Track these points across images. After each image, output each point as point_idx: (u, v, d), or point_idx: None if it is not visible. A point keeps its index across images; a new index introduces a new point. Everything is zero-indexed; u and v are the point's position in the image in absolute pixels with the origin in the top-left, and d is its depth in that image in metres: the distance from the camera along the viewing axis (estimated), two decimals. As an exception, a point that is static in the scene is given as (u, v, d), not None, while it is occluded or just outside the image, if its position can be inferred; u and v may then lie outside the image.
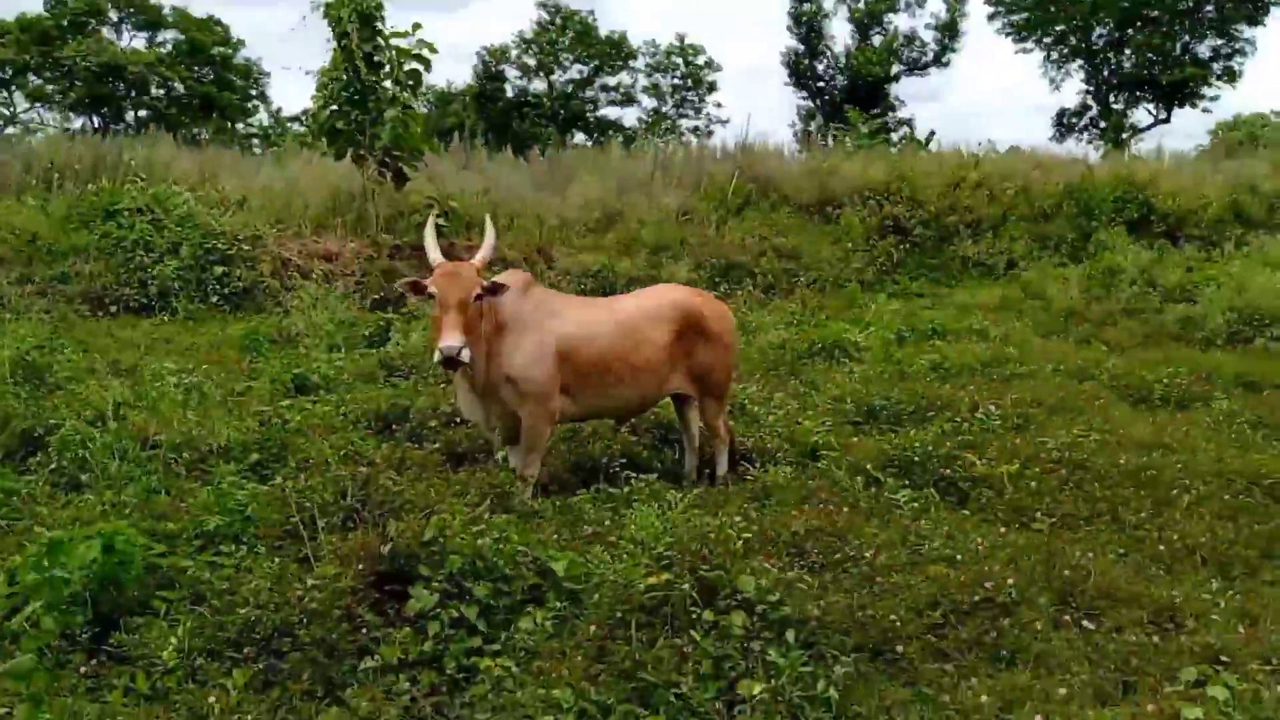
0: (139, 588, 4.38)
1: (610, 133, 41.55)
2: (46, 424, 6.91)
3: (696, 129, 45.82)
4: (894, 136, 31.93)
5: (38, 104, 44.92)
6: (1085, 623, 4.26)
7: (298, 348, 10.47)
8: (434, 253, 6.07)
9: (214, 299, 13.23)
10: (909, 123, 40.30)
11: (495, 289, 5.88)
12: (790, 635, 3.87)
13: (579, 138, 43.37)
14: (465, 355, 5.62)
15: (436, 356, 5.63)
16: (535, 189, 17.45)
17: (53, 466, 6.32)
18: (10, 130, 39.56)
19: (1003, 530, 5.45)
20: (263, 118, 47.31)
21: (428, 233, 6.19)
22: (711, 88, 47.61)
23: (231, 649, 3.96)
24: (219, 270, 13.46)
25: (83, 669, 4.00)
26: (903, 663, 4.02)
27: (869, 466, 6.46)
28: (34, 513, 5.47)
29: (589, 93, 47.22)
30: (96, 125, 39.98)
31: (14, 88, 46.01)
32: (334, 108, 14.77)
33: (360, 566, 4.27)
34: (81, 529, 4.37)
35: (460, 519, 4.60)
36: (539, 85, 46.73)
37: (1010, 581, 4.55)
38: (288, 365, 9.16)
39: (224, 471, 6.03)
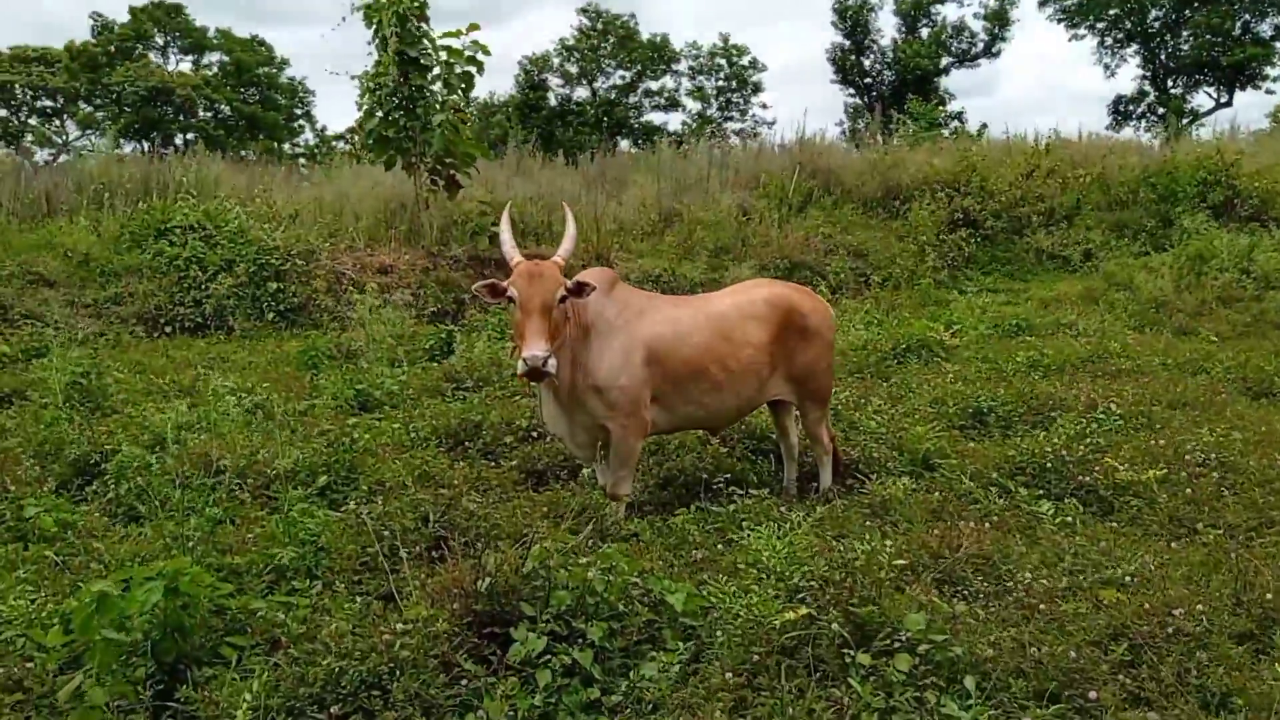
0: (206, 634, 3.86)
1: (655, 138, 41.08)
2: (102, 450, 6.49)
3: (742, 131, 45.20)
4: (945, 131, 31.13)
5: (88, 130, 45.39)
6: (1311, 657, 3.60)
7: (358, 363, 10.01)
8: (512, 252, 5.53)
9: (269, 315, 12.86)
10: (960, 116, 39.40)
11: (580, 289, 5.33)
12: (969, 682, 3.26)
13: (623, 144, 42.92)
14: (551, 365, 5.08)
15: (520, 367, 5.07)
16: (589, 193, 16.93)
17: (109, 496, 5.89)
18: (65, 158, 39.93)
19: (1170, 546, 4.80)
20: (308, 137, 47.50)
21: (503, 230, 5.65)
22: (756, 89, 47.07)
23: (314, 705, 3.42)
24: (273, 286, 13.10)
25: (147, 732, 3.49)
26: (1097, 711, 3.39)
27: (996, 475, 5.84)
28: (90, 548, 5.00)
29: (632, 98, 46.79)
30: (146, 149, 40.21)
31: (66, 115, 46.55)
32: (381, 114, 14.32)
33: (454, 606, 3.73)
34: (140, 568, 3.85)
35: (558, 547, 4.05)
36: (582, 93, 46.43)
37: (1200, 608, 3.90)
38: (350, 381, 8.69)
39: (292, 498, 5.53)
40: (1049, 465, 5.86)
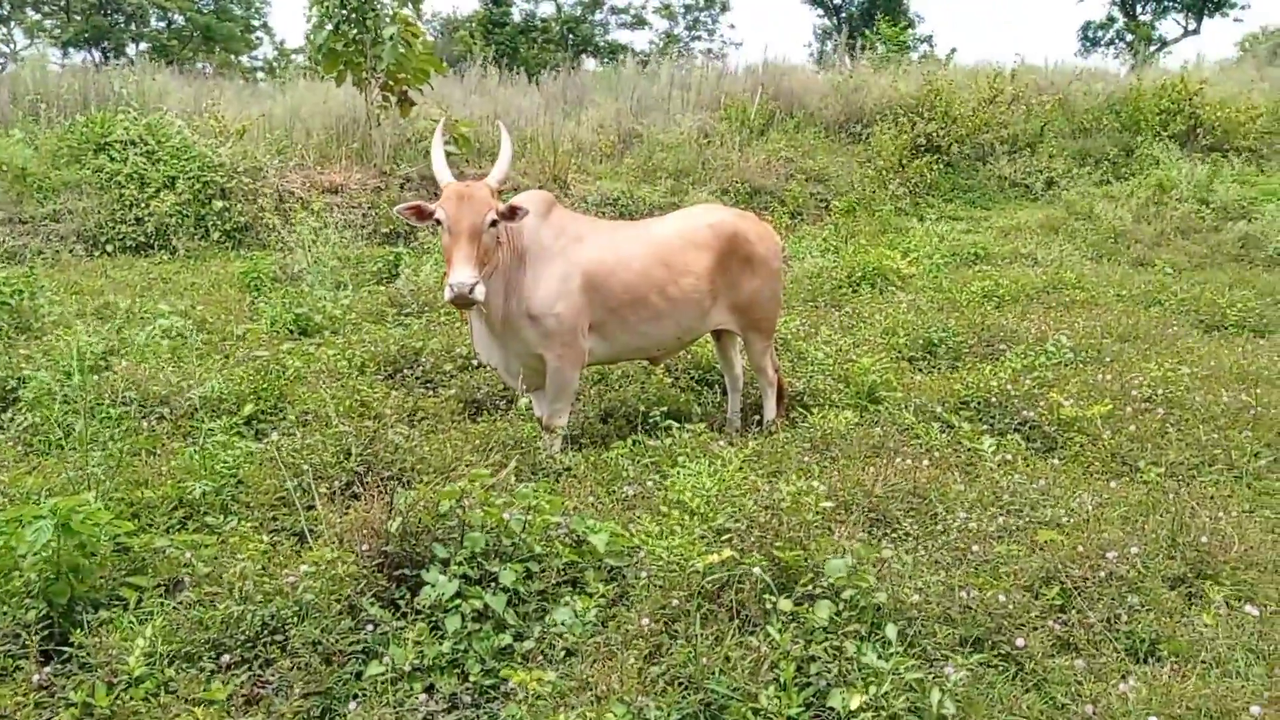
0: (105, 574, 3.67)
1: (621, 57, 40.23)
2: (20, 376, 6.22)
3: (710, 51, 44.37)
4: (914, 55, 30.65)
5: (36, 39, 43.83)
6: (1245, 605, 3.50)
7: (301, 286, 9.71)
8: (442, 172, 5.26)
9: (215, 235, 12.48)
10: (930, 40, 38.87)
11: (513, 212, 5.08)
12: (890, 630, 3.13)
13: (589, 64, 41.99)
14: (480, 292, 4.84)
15: (447, 294, 4.83)
16: (547, 113, 16.49)
17: (25, 424, 5.64)
18: (10, 68, 38.60)
19: (1110, 485, 4.69)
20: (267, 50, 46.17)
21: (434, 148, 5.38)
22: (724, 7, 46.08)
23: (211, 652, 3.25)
24: (218, 205, 12.70)
25: (36, 678, 3.29)
26: (1024, 658, 3.28)
27: (940, 410, 5.71)
28: (-4, 480, 4.77)
29: (598, 16, 45.72)
30: (97, 60, 38.95)
31: (12, 23, 44.88)
32: (330, 27, 13.78)
33: (364, 547, 3.55)
34: (30, 506, 3.64)
35: (481, 485, 3.87)
36: (547, 8, 45.29)
37: (1134, 551, 3.80)
38: (289, 305, 8.41)
39: (212, 429, 5.32)
40: (994, 400, 5.75)
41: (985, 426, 5.55)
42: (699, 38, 45.92)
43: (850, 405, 6.08)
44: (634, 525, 4.01)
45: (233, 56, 43.15)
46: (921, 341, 7.50)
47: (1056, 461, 5.14)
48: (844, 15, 41.75)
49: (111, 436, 5.14)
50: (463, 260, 4.85)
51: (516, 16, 44.97)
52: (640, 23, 46.30)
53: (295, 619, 3.29)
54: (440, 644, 3.23)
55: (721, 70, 18.50)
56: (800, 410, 6.16)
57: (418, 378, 6.76)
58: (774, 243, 6.06)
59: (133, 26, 42.19)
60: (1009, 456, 5.03)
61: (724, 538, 3.68)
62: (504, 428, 5.34)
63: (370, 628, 3.31)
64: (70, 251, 11.82)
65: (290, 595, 3.37)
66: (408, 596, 3.47)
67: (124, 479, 4.54)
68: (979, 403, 5.81)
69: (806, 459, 5.01)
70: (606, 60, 42.52)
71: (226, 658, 3.20)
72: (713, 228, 5.81)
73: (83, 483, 4.41)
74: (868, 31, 26.88)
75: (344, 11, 13.75)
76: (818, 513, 3.73)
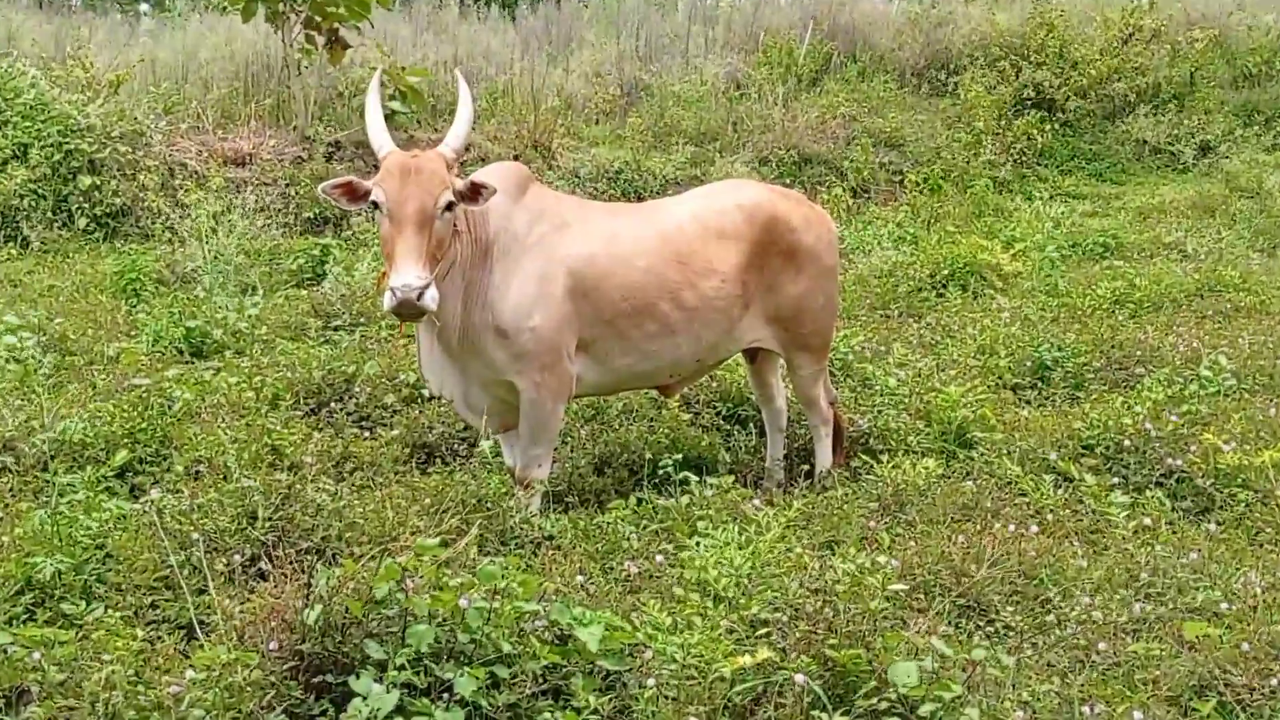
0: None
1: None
2: None
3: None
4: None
5: None
6: None
7: (195, 290, 9.74)
8: (380, 137, 5.25)
9: (81, 222, 12.57)
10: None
11: (475, 192, 5.05)
12: (988, 764, 3.10)
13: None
14: (431, 298, 4.80)
15: (387, 300, 4.79)
16: (525, 56, 16.56)
17: None
18: None
19: (1283, 559, 4.66)
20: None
21: (369, 105, 5.38)
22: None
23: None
24: (86, 182, 12.76)
25: None
26: (1166, 798, 3.25)
27: (1055, 456, 5.67)
28: None
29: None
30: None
31: None
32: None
33: (273, 645, 3.51)
34: None
35: (430, 561, 3.84)
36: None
37: (1319, 651, 3.76)
38: (179, 317, 8.41)
39: (71, 483, 5.29)
40: (1127, 444, 5.70)
41: (1116, 480, 5.50)
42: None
43: (933, 451, 6.05)
44: (638, 614, 3.95)
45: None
46: (1030, 364, 7.47)
47: (1213, 527, 5.09)
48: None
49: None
50: (408, 255, 4.82)
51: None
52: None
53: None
54: (373, 780, 3.20)
55: (758, 1, 18.55)
56: (865, 458, 6.12)
57: (349, 414, 6.75)
58: (827, 231, 6.04)
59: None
60: (1148, 521, 4.98)
61: (759, 633, 3.64)
62: (463, 481, 5.29)
63: (275, 760, 3.28)
64: (-112, 243, 11.89)
65: (172, 712, 3.35)
66: (331, 712, 3.44)
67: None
68: (1108, 447, 5.76)
69: (872, 524, 4.97)
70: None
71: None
72: (744, 210, 5.79)
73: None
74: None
75: (257, -80, 13.87)
76: (886, 598, 3.69)
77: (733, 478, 5.25)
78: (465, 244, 5.23)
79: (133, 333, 8.53)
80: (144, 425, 6.08)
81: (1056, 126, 16.36)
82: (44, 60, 14.52)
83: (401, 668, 3.47)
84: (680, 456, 5.74)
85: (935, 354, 7.84)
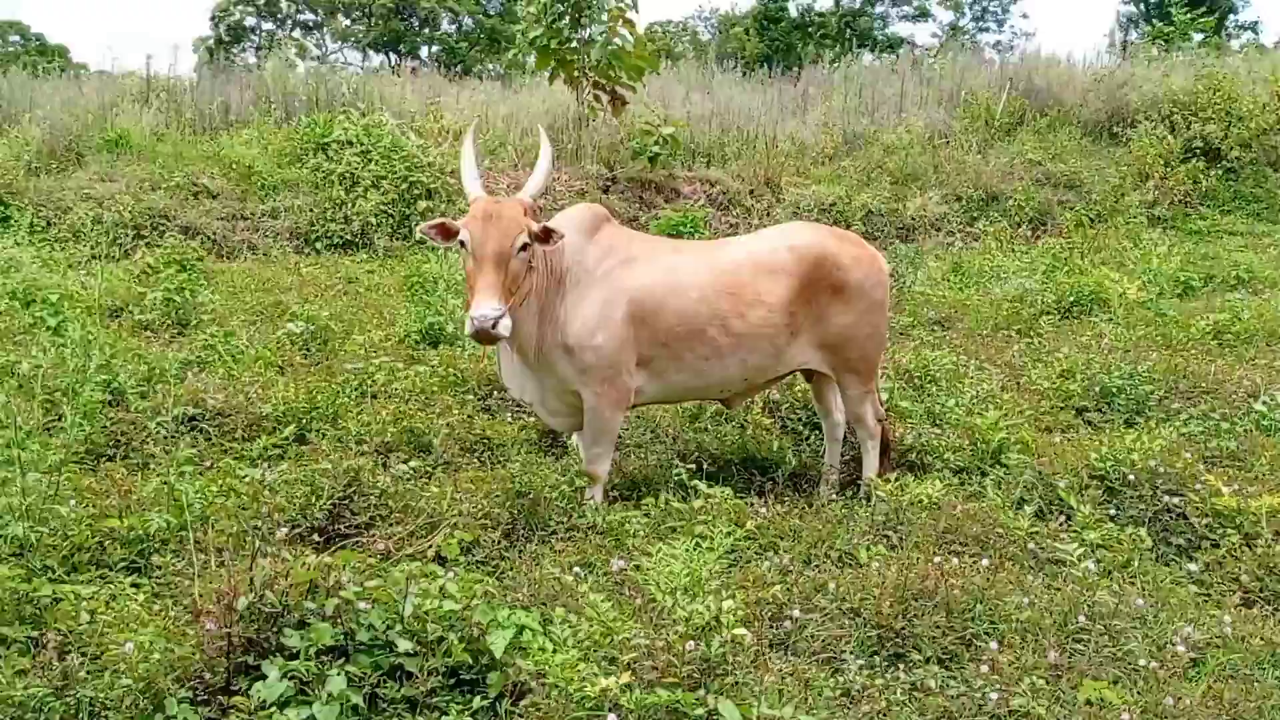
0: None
1: (898, 52, 38.56)
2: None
3: (998, 44, 41.77)
4: (1234, 44, 27.43)
5: (345, 43, 47.54)
6: None
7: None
8: (470, 183, 4.76)
9: (417, 235, 12.61)
10: (1254, 27, 34.74)
11: (547, 235, 4.48)
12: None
13: (866, 58, 40.56)
14: (504, 327, 4.27)
15: (468, 327, 4.29)
16: (769, 111, 15.72)
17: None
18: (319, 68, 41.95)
19: (1245, 610, 3.54)
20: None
21: (464, 153, 4.89)
22: (1017, -4, 43.29)
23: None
24: (422, 205, 12.85)
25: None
26: None
27: (1063, 485, 4.61)
28: None
29: (878, 9, 44.12)
30: (394, 62, 41.65)
31: (325, 29, 48.78)
32: (544, 22, 13.66)
33: (210, 625, 3.06)
34: None
35: (399, 553, 3.32)
36: (825, 2, 44.18)
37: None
38: (420, 315, 8.18)
39: (194, 453, 4.98)
40: (1132, 476, 4.56)
41: (1113, 511, 4.41)
42: (986, 29, 43.44)
43: (963, 469, 5.08)
44: (556, 621, 3.29)
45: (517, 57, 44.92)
46: (1099, 389, 6.27)
47: (1194, 567, 3.98)
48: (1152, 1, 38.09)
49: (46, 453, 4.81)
50: (486, 290, 4.31)
51: (793, 11, 44.18)
52: (923, 14, 44.38)
53: (97, 710, 2.86)
54: (240, 766, 2.70)
55: (962, 61, 16.95)
56: (912, 468, 5.22)
57: (509, 402, 6.29)
58: (875, 269, 5.12)
59: (425, 30, 44.76)
60: (1115, 559, 3.91)
61: (632, 657, 2.94)
62: (512, 475, 4.71)
63: (175, 730, 2.83)
64: (280, 248, 12.26)
65: (122, 669, 2.96)
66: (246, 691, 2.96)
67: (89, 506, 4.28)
68: (1117, 478, 4.64)
69: (857, 541, 4.12)
70: (883, 55, 40.96)
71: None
72: (794, 250, 4.97)
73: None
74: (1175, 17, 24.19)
75: (559, 6, 13.60)
76: (759, 623, 2.91)
77: (728, 490, 4.43)
78: (541, 275, 4.67)
79: (390, 325, 8.34)
80: (322, 404, 5.80)
81: (1220, 173, 14.25)
82: (405, 114, 14.77)
83: (311, 658, 2.96)
84: (741, 458, 5.06)
85: (1018, 375, 6.72)
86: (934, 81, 16.22)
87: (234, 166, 13.52)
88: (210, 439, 5.49)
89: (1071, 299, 8.89)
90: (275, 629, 3.05)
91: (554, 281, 4.76)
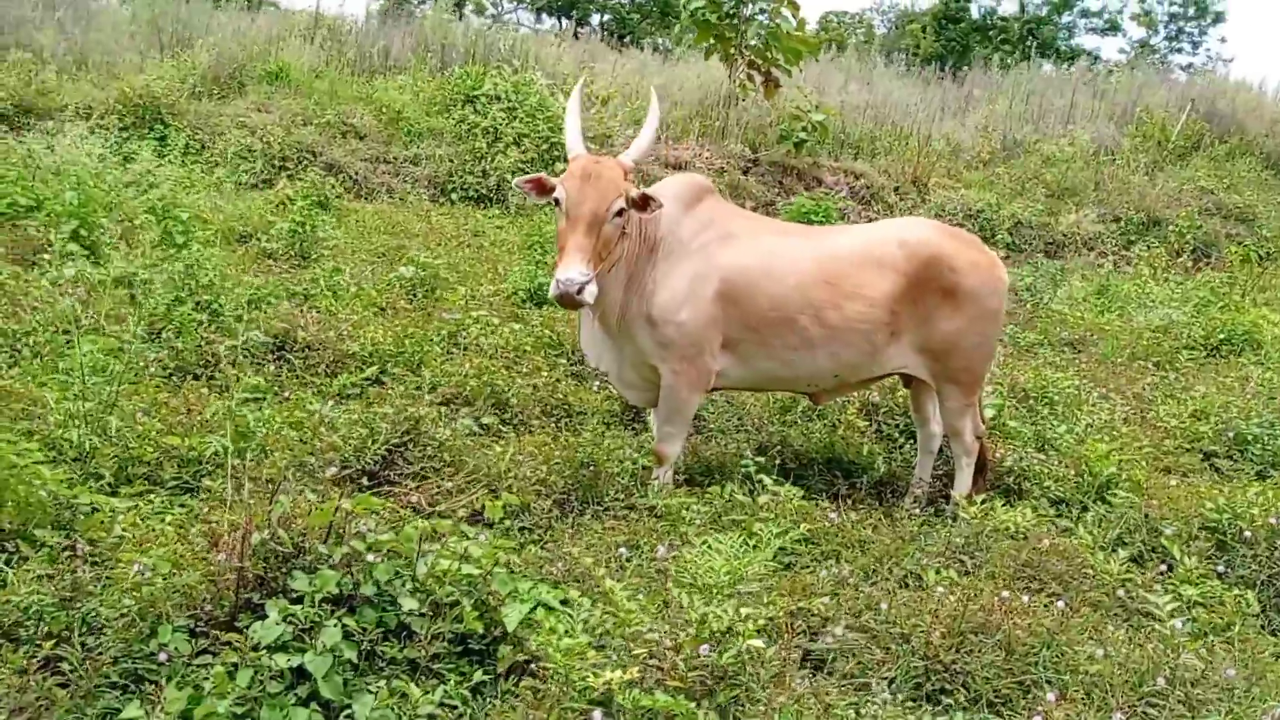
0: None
1: (1076, 63, 36.85)
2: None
3: (1190, 66, 39.51)
4: None
5: (520, 4, 48.13)
6: None
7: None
8: (573, 141, 4.56)
9: (514, 188, 12.55)
10: None
11: (645, 202, 4.25)
12: None
13: (1046, 68, 38.99)
14: (590, 293, 4.06)
15: (552, 289, 4.10)
16: (926, 109, 15.11)
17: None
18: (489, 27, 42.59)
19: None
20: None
21: (570, 110, 4.69)
22: (1218, 18, 40.84)
23: (8, 644, 2.82)
24: (560, 168, 12.73)
25: None
26: None
27: (1169, 532, 4.16)
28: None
29: (1066, 18, 42.22)
30: (563, 27, 42.00)
31: (500, -12, 49.45)
32: (703, -2, 13.41)
33: (221, 556, 2.96)
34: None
35: (432, 508, 3.17)
36: (1010, 6, 42.54)
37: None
38: (536, 273, 8.06)
39: (255, 384, 4.93)
40: (1248, 534, 4.09)
41: (1223, 568, 3.96)
42: (1180, 49, 41.11)
43: (1062, 500, 4.67)
44: (577, 603, 3.09)
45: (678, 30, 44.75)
46: (1233, 434, 5.72)
47: (1295, 643, 3.53)
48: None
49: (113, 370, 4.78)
50: (576, 252, 4.11)
51: (975, 13, 42.67)
52: (1113, 28, 42.28)
53: (96, 627, 2.79)
54: (219, 701, 2.58)
55: (1141, 78, 15.97)
56: (1005, 493, 4.83)
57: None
58: (992, 276, 4.72)
59: (598, -1, 44.90)
60: (1213, 620, 3.49)
61: (654, 652, 2.72)
62: (578, 444, 4.54)
63: (165, 659, 2.73)
64: (416, 195, 12.35)
65: (132, 588, 2.88)
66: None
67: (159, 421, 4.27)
68: (1232, 533, 4.17)
69: (927, 562, 3.79)
70: (1064, 67, 39.29)
71: (24, 648, 2.76)
72: (906, 246, 4.62)
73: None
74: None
75: (724, -19, 13.35)
76: (778, 633, 2.65)
77: (796, 489, 4.16)
78: (634, 242, 4.45)
79: (501, 281, 8.26)
80: (408, 348, 5.73)
81: None
82: (559, 76, 14.70)
83: (312, 604, 2.83)
84: (827, 458, 4.77)
85: (1146, 409, 6.20)
86: (1108, 95, 15.33)
87: (384, 110, 13.68)
88: (294, 370, 5.48)
89: (1221, 336, 8.21)
90: (286, 570, 2.94)
91: (646, 250, 4.53)
